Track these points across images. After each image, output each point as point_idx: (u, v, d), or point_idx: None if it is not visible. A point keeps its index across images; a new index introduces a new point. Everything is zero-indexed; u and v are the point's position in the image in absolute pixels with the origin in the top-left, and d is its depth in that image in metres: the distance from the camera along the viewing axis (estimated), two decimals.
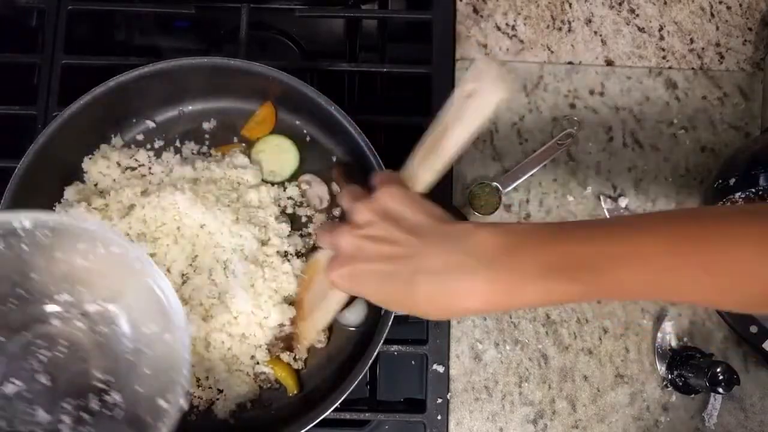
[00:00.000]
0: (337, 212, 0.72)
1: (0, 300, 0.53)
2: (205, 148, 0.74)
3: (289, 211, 0.72)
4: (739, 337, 0.74)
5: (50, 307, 0.55)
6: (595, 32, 0.82)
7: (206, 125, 0.74)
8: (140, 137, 0.74)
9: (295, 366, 0.68)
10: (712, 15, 0.83)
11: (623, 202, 0.77)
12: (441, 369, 0.72)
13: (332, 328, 0.70)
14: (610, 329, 0.75)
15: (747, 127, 0.80)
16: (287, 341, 0.67)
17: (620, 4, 0.83)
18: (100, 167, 0.70)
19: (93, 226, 0.52)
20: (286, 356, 0.68)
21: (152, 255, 0.66)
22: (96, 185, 0.71)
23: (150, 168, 0.72)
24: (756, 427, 0.73)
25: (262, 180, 0.72)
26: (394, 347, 0.71)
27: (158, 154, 0.73)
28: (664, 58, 0.82)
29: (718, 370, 0.66)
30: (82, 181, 0.71)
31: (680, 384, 0.72)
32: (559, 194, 0.78)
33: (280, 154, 0.73)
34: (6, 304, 0.54)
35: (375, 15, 0.89)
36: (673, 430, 0.73)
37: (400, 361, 0.75)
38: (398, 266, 0.49)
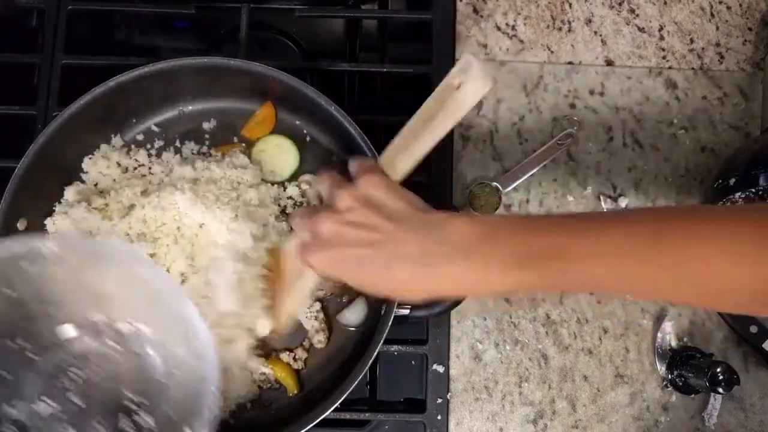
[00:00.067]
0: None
1: (30, 319, 0.54)
2: (205, 148, 0.74)
3: (290, 210, 0.72)
4: (739, 337, 0.74)
5: (82, 326, 0.55)
6: (595, 32, 0.82)
7: (206, 125, 0.74)
8: (140, 137, 0.74)
9: (295, 366, 0.68)
10: (712, 15, 0.83)
11: (623, 202, 0.77)
12: (441, 369, 0.72)
13: (332, 328, 0.70)
14: (610, 329, 0.75)
15: (747, 127, 0.80)
16: (265, 347, 0.68)
17: (620, 4, 0.83)
18: (100, 167, 0.70)
19: (122, 248, 0.53)
20: (286, 356, 0.68)
21: (152, 255, 0.66)
22: (96, 185, 0.71)
23: (150, 168, 0.72)
24: (756, 427, 0.73)
25: (262, 180, 0.72)
26: (394, 347, 0.71)
27: (158, 154, 0.73)
28: (664, 58, 0.82)
29: (718, 370, 0.66)
30: (82, 181, 0.71)
31: (680, 384, 0.72)
32: (559, 194, 0.78)
33: (280, 154, 0.73)
34: (36, 324, 0.54)
35: (375, 15, 0.89)
36: (673, 430, 0.73)
37: (400, 361, 0.75)
38: (377, 252, 0.51)
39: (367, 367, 0.63)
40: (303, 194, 0.72)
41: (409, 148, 0.57)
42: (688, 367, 0.71)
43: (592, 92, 0.81)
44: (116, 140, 0.73)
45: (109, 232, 0.67)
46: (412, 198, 0.54)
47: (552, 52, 0.81)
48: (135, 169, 0.72)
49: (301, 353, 0.69)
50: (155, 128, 0.74)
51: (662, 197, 0.78)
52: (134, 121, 0.73)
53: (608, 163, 0.79)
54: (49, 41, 0.78)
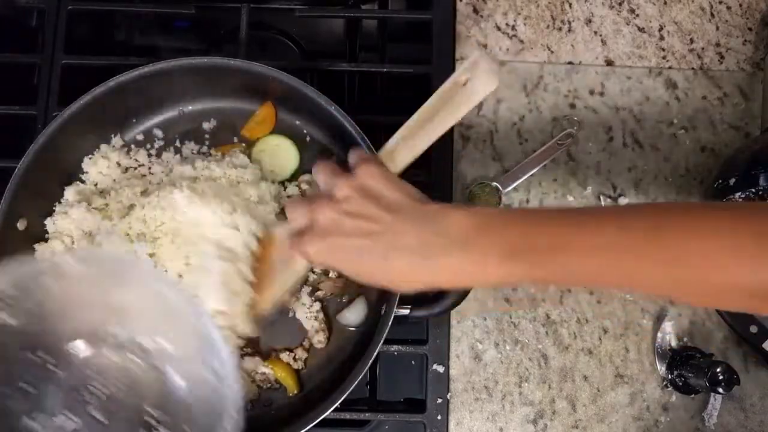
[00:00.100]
0: None
1: (52, 333, 0.54)
2: (205, 148, 0.74)
3: None
4: (739, 337, 0.74)
5: (104, 341, 0.55)
6: (595, 32, 0.82)
7: (206, 125, 0.74)
8: (140, 137, 0.74)
9: (295, 366, 0.68)
10: (712, 15, 0.83)
11: (623, 202, 0.78)
12: (441, 369, 0.72)
13: (332, 328, 0.70)
14: (610, 329, 0.75)
15: (747, 127, 0.80)
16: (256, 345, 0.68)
17: (620, 4, 0.83)
18: (100, 167, 0.70)
19: (145, 266, 0.53)
20: (286, 356, 0.68)
21: (151, 255, 0.66)
22: (96, 185, 0.71)
23: (150, 168, 0.72)
24: (756, 427, 0.73)
25: (262, 178, 0.72)
26: (394, 347, 0.71)
27: (158, 154, 0.73)
28: (664, 58, 0.82)
29: (718, 370, 0.66)
30: (82, 181, 0.71)
31: (680, 384, 0.72)
32: (559, 194, 0.78)
33: (280, 154, 0.73)
34: (57, 337, 0.54)
35: (375, 15, 0.89)
36: (673, 430, 0.73)
37: (400, 361, 0.75)
38: (375, 242, 0.51)
39: (367, 367, 0.63)
40: (303, 194, 0.72)
41: (410, 142, 0.58)
42: (688, 367, 0.71)
43: (592, 92, 0.81)
44: (116, 140, 0.72)
45: (109, 232, 0.67)
46: (410, 189, 0.54)
47: (552, 52, 0.81)
48: (135, 169, 0.72)
49: (301, 353, 0.69)
50: (155, 128, 0.74)
51: (662, 197, 0.78)
52: (134, 121, 0.73)
53: (608, 163, 0.79)
54: (49, 41, 0.78)
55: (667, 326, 0.74)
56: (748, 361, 0.74)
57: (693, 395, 0.72)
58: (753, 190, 0.68)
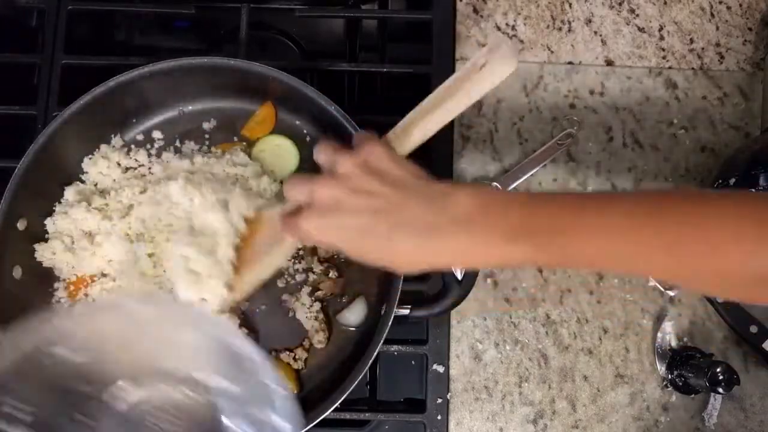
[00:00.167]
0: None
1: (111, 367, 0.54)
2: (205, 148, 0.74)
3: None
4: (739, 337, 0.74)
5: (163, 377, 0.55)
6: (595, 32, 0.82)
7: (206, 125, 0.74)
8: (140, 137, 0.74)
9: (295, 366, 0.68)
10: (712, 15, 0.83)
11: None
12: (441, 369, 0.72)
13: (332, 328, 0.70)
14: (610, 329, 0.75)
15: (747, 127, 0.80)
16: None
17: (620, 4, 0.83)
18: (100, 167, 0.70)
19: (205, 313, 0.54)
20: (285, 356, 0.68)
21: (150, 255, 0.66)
22: (96, 185, 0.71)
23: (150, 168, 0.72)
24: (756, 427, 0.73)
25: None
26: (394, 347, 0.71)
27: (158, 154, 0.73)
28: (664, 58, 0.82)
29: (718, 370, 0.66)
30: (82, 181, 0.71)
31: (680, 384, 0.72)
32: None
33: (280, 154, 0.73)
34: (116, 372, 0.54)
35: (375, 15, 0.89)
36: (673, 430, 0.73)
37: (400, 361, 0.75)
38: (379, 220, 0.50)
39: (367, 367, 0.63)
40: None
41: (421, 124, 0.56)
42: (688, 367, 0.71)
43: (592, 92, 0.81)
44: (116, 140, 0.72)
45: (109, 232, 0.67)
46: (414, 168, 0.53)
47: (552, 52, 0.81)
48: (135, 169, 0.72)
49: (301, 353, 0.69)
50: (155, 128, 0.74)
51: None
52: (134, 121, 0.73)
53: (608, 163, 0.79)
54: (49, 41, 0.78)
55: (667, 326, 0.74)
56: (748, 361, 0.74)
57: (693, 395, 0.72)
58: (753, 190, 0.68)
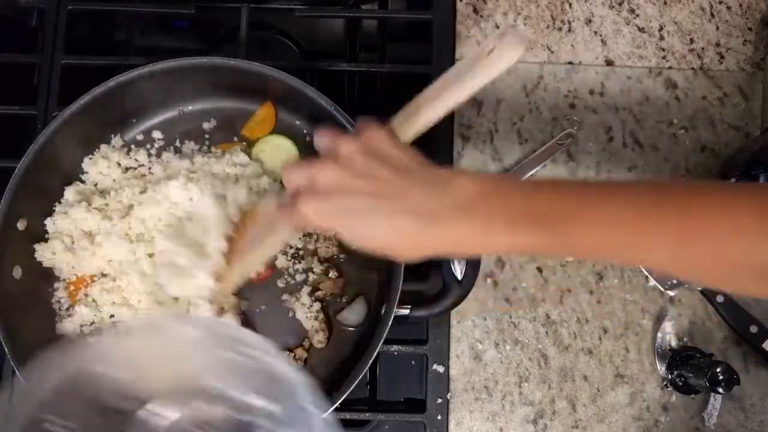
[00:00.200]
0: None
1: (147, 384, 0.54)
2: (205, 148, 0.74)
3: None
4: (739, 337, 0.74)
5: (208, 397, 0.55)
6: (595, 32, 0.82)
7: (206, 125, 0.74)
8: (140, 137, 0.74)
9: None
10: (712, 15, 0.83)
11: None
12: (441, 369, 0.72)
13: (332, 328, 0.70)
14: (610, 329, 0.75)
15: (747, 127, 0.80)
16: None
17: (620, 4, 0.83)
18: (100, 167, 0.70)
19: (252, 337, 0.53)
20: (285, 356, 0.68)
21: (150, 255, 0.66)
22: (96, 185, 0.71)
23: (150, 168, 0.72)
24: (756, 427, 0.73)
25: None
26: (394, 347, 0.71)
27: (158, 154, 0.73)
28: (664, 58, 0.82)
29: (718, 370, 0.66)
30: (82, 181, 0.71)
31: (680, 384, 0.72)
32: None
33: (280, 154, 0.73)
34: (154, 390, 0.54)
35: (375, 15, 0.89)
36: (673, 430, 0.73)
37: (400, 361, 0.75)
38: (380, 204, 0.49)
39: (367, 367, 0.63)
40: None
41: (423, 111, 0.56)
42: (688, 367, 0.71)
43: (592, 92, 0.81)
44: (116, 140, 0.73)
45: (109, 232, 0.67)
46: (415, 153, 0.52)
47: (552, 52, 0.81)
48: (135, 169, 0.72)
49: (301, 353, 0.69)
50: (155, 128, 0.74)
51: None
52: (134, 121, 0.73)
53: (608, 163, 0.79)
54: (49, 41, 0.78)
55: (667, 326, 0.74)
56: (748, 361, 0.74)
57: (693, 395, 0.72)
58: None
